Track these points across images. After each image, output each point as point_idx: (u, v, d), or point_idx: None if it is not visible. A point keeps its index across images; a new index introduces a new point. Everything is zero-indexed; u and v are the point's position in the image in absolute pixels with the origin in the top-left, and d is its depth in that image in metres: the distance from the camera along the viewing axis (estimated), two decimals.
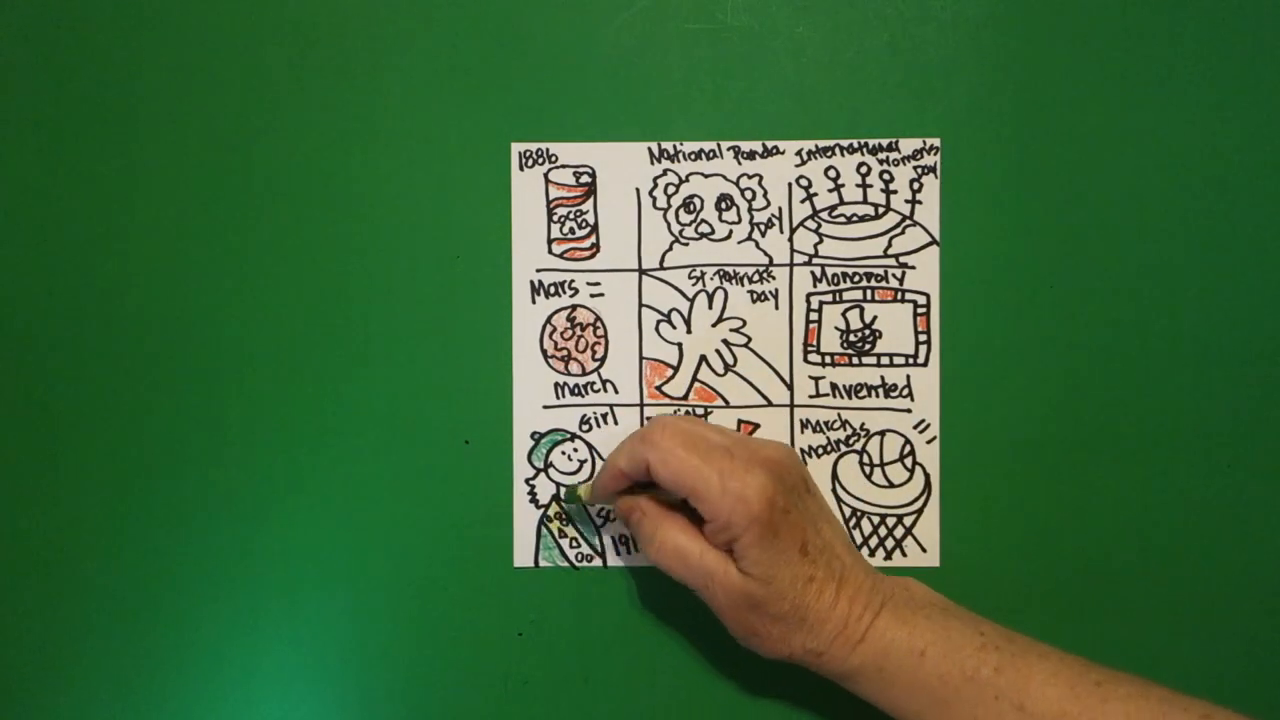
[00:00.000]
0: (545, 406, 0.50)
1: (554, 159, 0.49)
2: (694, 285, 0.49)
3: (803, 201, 0.49)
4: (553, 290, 0.50)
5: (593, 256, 0.50)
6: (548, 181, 0.50)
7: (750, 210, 0.49)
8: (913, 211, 0.49)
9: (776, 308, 0.49)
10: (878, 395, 0.49)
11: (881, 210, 0.49)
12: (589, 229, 0.50)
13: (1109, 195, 0.48)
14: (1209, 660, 0.48)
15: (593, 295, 0.50)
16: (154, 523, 0.50)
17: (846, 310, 0.49)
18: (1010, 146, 0.49)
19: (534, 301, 0.50)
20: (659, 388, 0.50)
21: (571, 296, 0.50)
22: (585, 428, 0.50)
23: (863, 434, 0.49)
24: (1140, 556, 0.48)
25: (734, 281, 0.49)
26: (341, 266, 0.49)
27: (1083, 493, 0.48)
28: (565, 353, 0.50)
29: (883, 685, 0.41)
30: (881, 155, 0.49)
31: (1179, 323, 0.48)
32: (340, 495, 0.49)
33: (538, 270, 0.50)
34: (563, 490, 0.49)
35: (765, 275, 0.49)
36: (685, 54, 0.49)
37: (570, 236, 0.50)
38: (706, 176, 0.49)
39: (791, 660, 0.42)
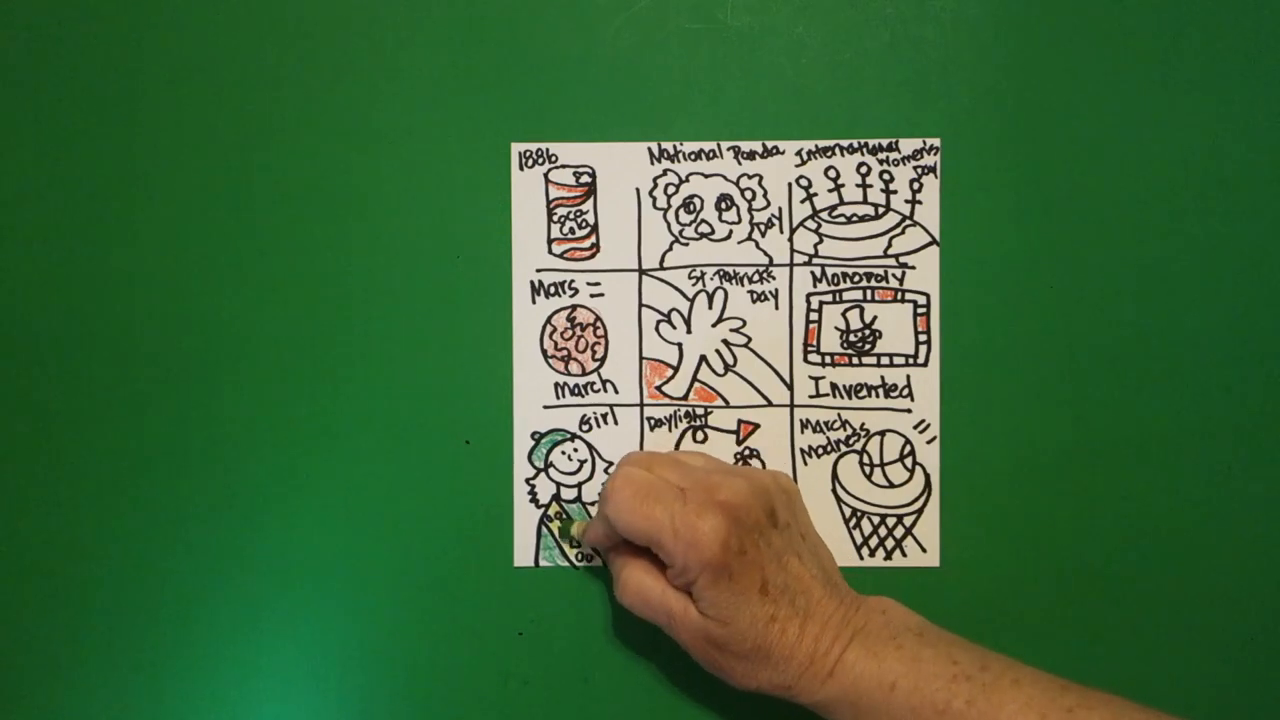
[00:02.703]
0: (545, 406, 0.50)
1: (554, 159, 0.49)
2: (694, 285, 0.49)
3: (803, 201, 0.49)
4: (553, 290, 0.50)
5: (593, 256, 0.50)
6: (548, 181, 0.50)
7: (750, 210, 0.49)
8: (913, 211, 0.49)
9: (776, 308, 0.49)
10: (878, 395, 0.49)
11: (881, 210, 0.49)
12: (589, 229, 0.50)
13: (1109, 195, 0.48)
14: (1208, 662, 0.48)
15: (593, 295, 0.50)
16: (153, 523, 0.50)
17: (846, 310, 0.49)
18: (1010, 146, 0.49)
19: (534, 301, 0.50)
20: (659, 388, 0.50)
21: (571, 296, 0.50)
22: (585, 428, 0.50)
23: (863, 434, 0.49)
24: (1140, 557, 0.48)
25: (734, 281, 0.49)
26: (341, 266, 0.49)
27: (1083, 493, 0.48)
28: (565, 353, 0.50)
29: (856, 718, 0.40)
30: (881, 155, 0.49)
31: (1179, 323, 0.48)
32: (340, 495, 0.49)
33: (538, 270, 0.50)
34: (559, 522, 0.49)
35: (765, 275, 0.49)
36: (685, 54, 0.49)
37: (570, 236, 0.50)
38: (706, 176, 0.49)
39: (762, 693, 0.42)
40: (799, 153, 0.49)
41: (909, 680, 0.40)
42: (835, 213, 0.49)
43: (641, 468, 0.43)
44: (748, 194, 0.49)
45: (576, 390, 0.50)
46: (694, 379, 0.50)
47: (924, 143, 0.49)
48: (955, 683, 0.39)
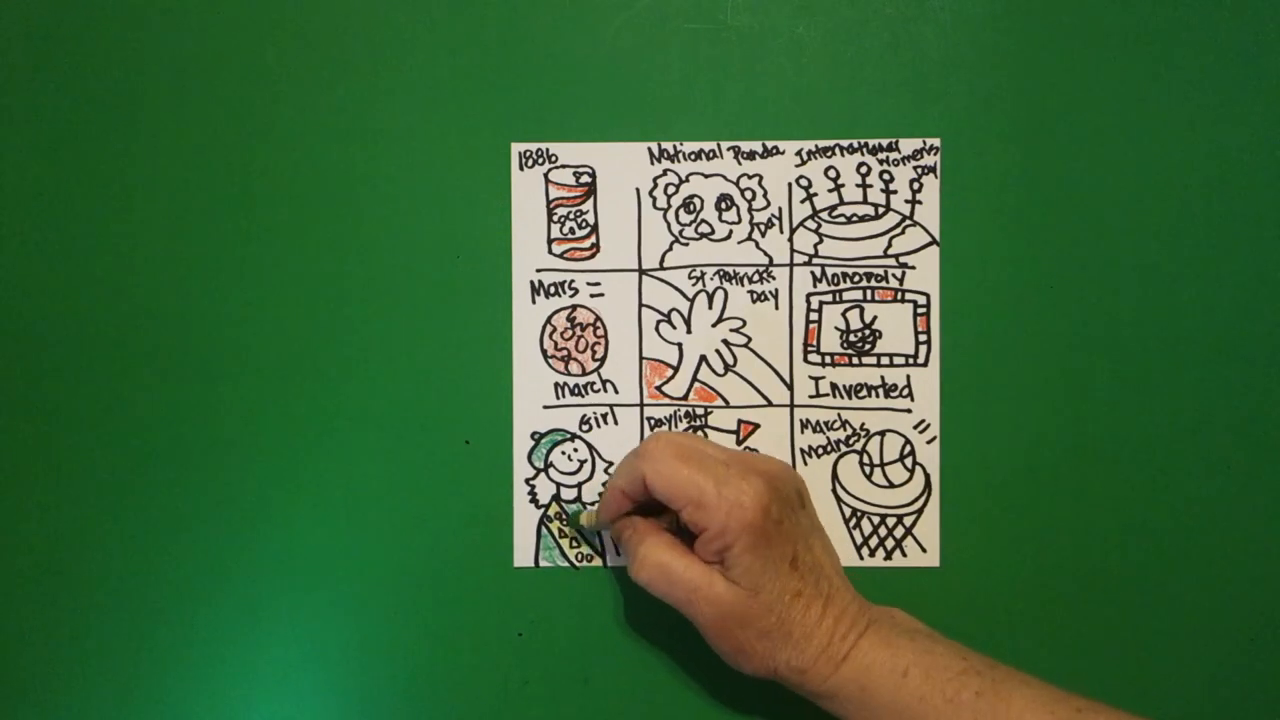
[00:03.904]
0: (545, 406, 0.50)
1: (554, 159, 0.49)
2: (694, 285, 0.49)
3: (803, 201, 0.49)
4: (553, 290, 0.50)
5: (593, 256, 0.50)
6: (548, 181, 0.50)
7: (750, 210, 0.49)
8: (913, 211, 0.49)
9: (776, 308, 0.49)
10: (878, 395, 0.49)
11: (881, 210, 0.49)
12: (589, 229, 0.50)
13: (1109, 195, 0.48)
14: (1209, 662, 0.48)
15: (593, 295, 0.50)
16: (154, 523, 0.50)
17: (846, 310, 0.49)
18: (1010, 146, 0.49)
19: (534, 301, 0.50)
20: (659, 388, 0.50)
21: (571, 296, 0.50)
22: (585, 428, 0.50)
23: (863, 434, 0.49)
24: (1140, 557, 0.48)
25: (734, 281, 0.49)
26: (341, 266, 0.49)
27: (1082, 493, 0.48)
28: (565, 353, 0.50)
29: (863, 705, 0.41)
30: (881, 155, 0.49)
31: (1179, 323, 0.48)
32: (340, 495, 0.49)
33: (538, 270, 0.50)
34: (566, 510, 0.49)
35: (765, 275, 0.49)
36: (685, 54, 0.49)
37: (570, 236, 0.50)
38: (706, 176, 0.49)
39: (775, 677, 0.42)
40: (799, 153, 0.49)
41: (921, 669, 0.40)
42: (835, 213, 0.49)
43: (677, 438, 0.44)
44: (748, 194, 0.49)
45: (576, 390, 0.50)
46: (694, 379, 0.50)
47: (924, 143, 0.49)
48: (965, 675, 0.40)
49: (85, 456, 0.50)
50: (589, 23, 0.49)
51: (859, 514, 0.49)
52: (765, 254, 0.49)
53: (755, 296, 0.49)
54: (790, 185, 0.49)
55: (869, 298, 0.49)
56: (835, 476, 0.49)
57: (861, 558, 0.49)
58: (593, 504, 0.50)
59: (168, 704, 0.50)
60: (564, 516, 0.49)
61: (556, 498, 0.50)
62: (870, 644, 0.41)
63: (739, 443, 0.49)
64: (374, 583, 0.49)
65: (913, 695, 0.40)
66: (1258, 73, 0.48)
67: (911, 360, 0.49)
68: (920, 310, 0.49)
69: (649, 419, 0.50)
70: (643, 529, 0.44)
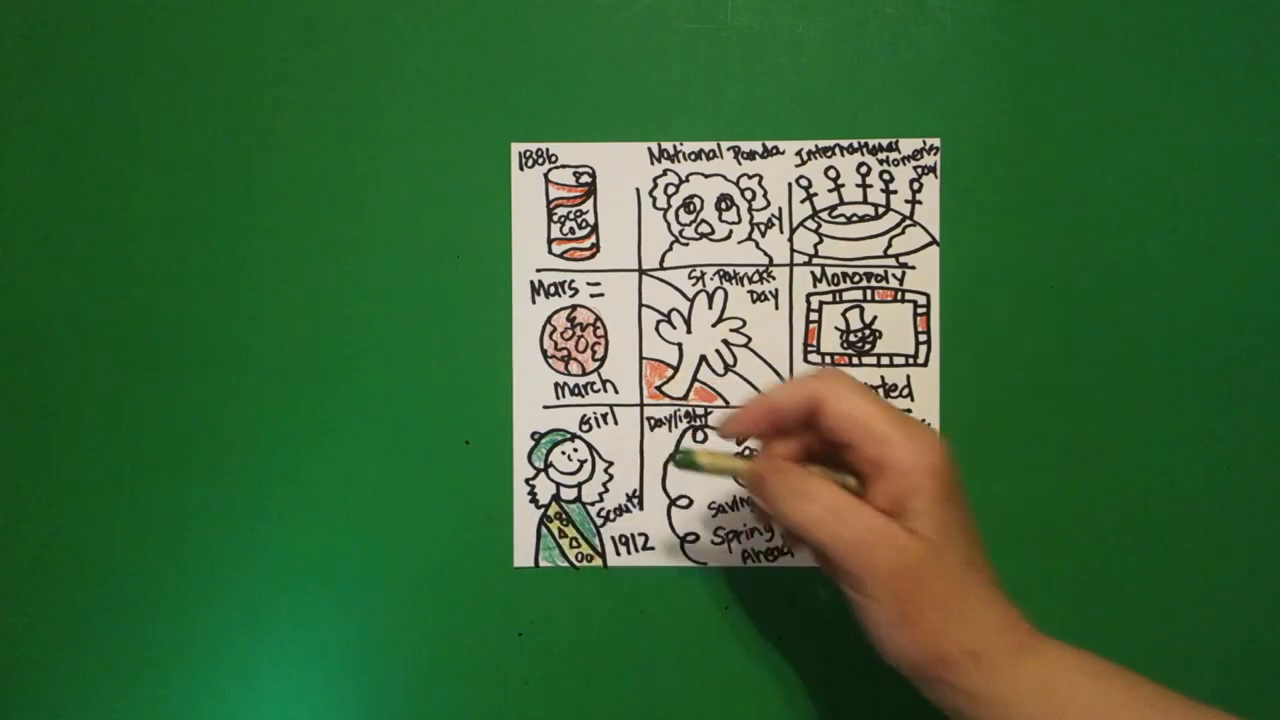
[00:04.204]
0: (545, 406, 0.50)
1: (554, 159, 0.49)
2: (694, 285, 0.49)
3: (803, 201, 0.49)
4: (553, 290, 0.50)
5: (593, 256, 0.50)
6: (548, 181, 0.50)
7: (750, 210, 0.49)
8: (913, 211, 0.49)
9: (776, 308, 0.49)
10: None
11: (881, 210, 0.49)
12: (589, 229, 0.50)
13: (1109, 195, 0.48)
14: (1209, 659, 0.48)
15: (593, 295, 0.50)
16: (154, 522, 0.50)
17: (846, 310, 0.49)
18: (1010, 146, 0.49)
19: (534, 301, 0.50)
20: (659, 388, 0.50)
21: (571, 296, 0.50)
22: (585, 428, 0.50)
23: None
24: (1140, 556, 0.48)
25: (734, 281, 0.49)
26: (341, 266, 0.49)
27: (1083, 493, 0.48)
28: (565, 353, 0.50)
29: (1050, 710, 0.35)
30: (881, 155, 0.49)
31: (1179, 322, 0.48)
32: (340, 495, 0.49)
33: (538, 270, 0.50)
34: (678, 454, 0.42)
35: (765, 275, 0.49)
36: (685, 54, 0.49)
37: (570, 236, 0.50)
38: (706, 176, 0.49)
39: (935, 667, 0.36)
40: (799, 153, 0.49)
41: (1119, 680, 0.35)
42: (835, 213, 0.49)
43: None
44: (748, 194, 0.49)
45: (576, 390, 0.50)
46: (694, 379, 0.50)
47: (924, 143, 0.49)
48: (1163, 695, 0.35)
49: (86, 456, 0.50)
50: (589, 23, 0.49)
51: None
52: (765, 254, 0.49)
53: (755, 296, 0.49)
54: (790, 185, 0.49)
55: (869, 298, 0.49)
56: None
57: None
58: (593, 501, 0.50)
59: (168, 704, 0.50)
60: (672, 456, 0.47)
61: (556, 497, 0.50)
62: (1051, 642, 0.36)
63: (739, 442, 0.49)
64: (374, 582, 0.49)
65: (1112, 703, 0.34)
66: (1258, 73, 0.48)
67: (911, 360, 0.49)
68: (920, 310, 0.49)
69: (649, 419, 0.50)
70: (802, 470, 0.38)
